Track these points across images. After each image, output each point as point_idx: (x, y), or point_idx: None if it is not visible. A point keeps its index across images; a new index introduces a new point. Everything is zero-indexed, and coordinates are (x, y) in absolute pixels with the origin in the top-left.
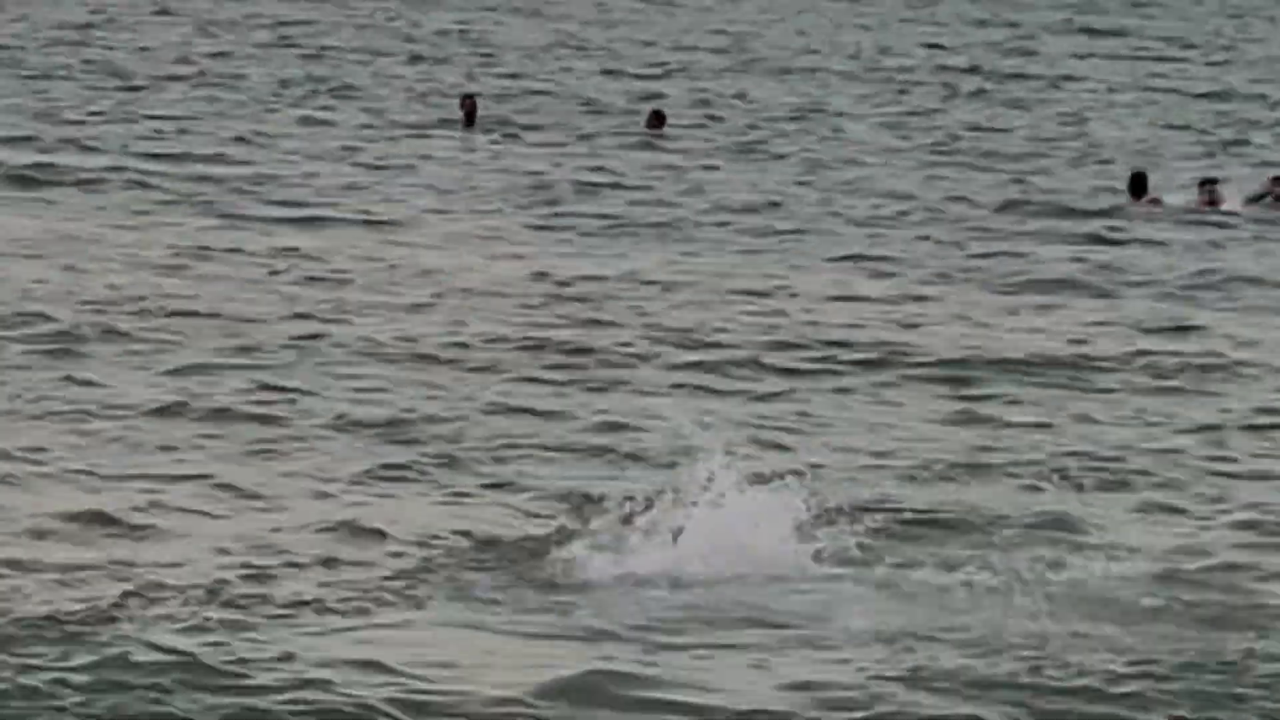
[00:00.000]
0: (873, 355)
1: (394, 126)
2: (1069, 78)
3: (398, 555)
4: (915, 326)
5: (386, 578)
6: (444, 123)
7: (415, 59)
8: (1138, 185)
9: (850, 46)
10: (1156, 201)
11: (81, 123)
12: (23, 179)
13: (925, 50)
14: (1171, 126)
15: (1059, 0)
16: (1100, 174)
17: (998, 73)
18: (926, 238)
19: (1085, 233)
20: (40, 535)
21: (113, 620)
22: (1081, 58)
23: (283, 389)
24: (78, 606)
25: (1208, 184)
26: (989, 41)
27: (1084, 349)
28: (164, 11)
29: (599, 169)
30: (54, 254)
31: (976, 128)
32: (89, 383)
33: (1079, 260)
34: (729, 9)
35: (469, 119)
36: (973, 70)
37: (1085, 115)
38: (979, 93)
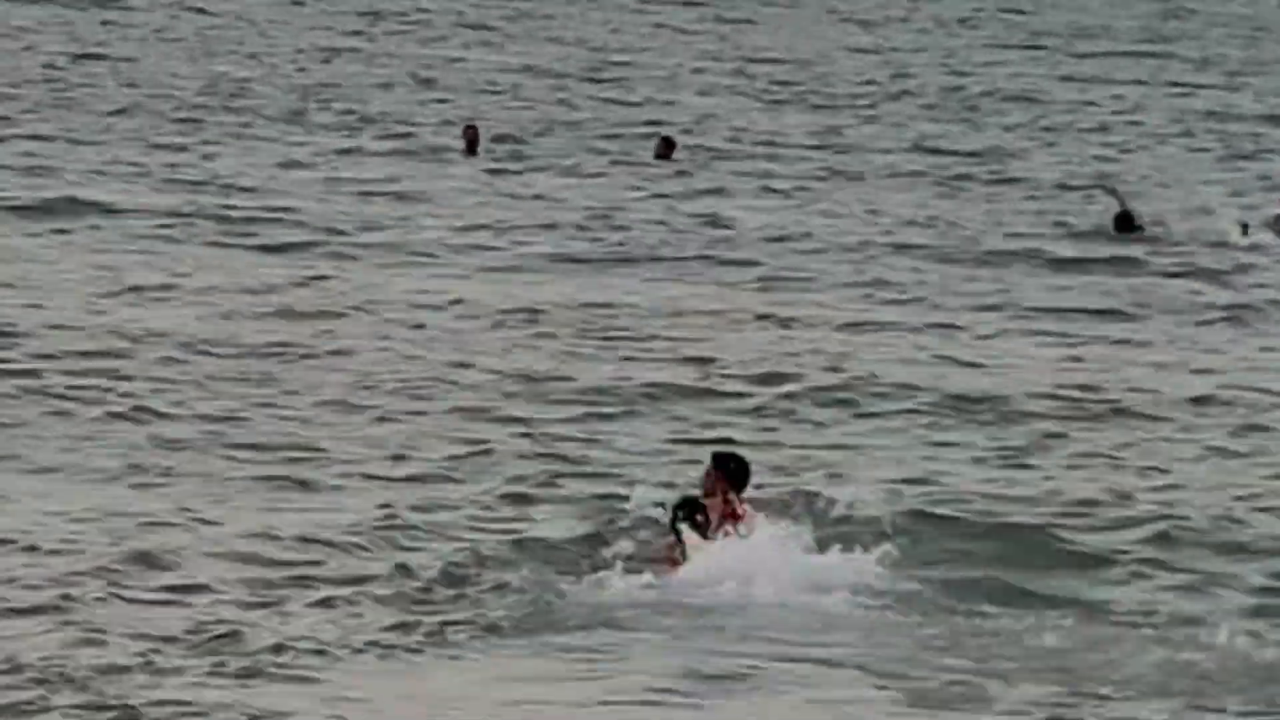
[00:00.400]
0: (894, 385)
1: (411, 155)
2: (1091, 102)
3: (426, 591)
4: (938, 354)
5: (414, 617)
6: (456, 151)
7: (427, 84)
8: (1123, 225)
9: (867, 71)
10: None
11: (103, 153)
12: (46, 209)
13: (943, 74)
14: (1199, 150)
15: (1079, 23)
16: (1124, 197)
17: (1018, 96)
18: (947, 265)
19: (1110, 258)
20: (72, 571)
21: (144, 665)
22: (1105, 81)
23: (308, 419)
24: (106, 646)
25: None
26: (1008, 64)
27: (1113, 377)
28: (183, 39)
29: (609, 196)
30: (79, 284)
31: (997, 152)
32: (117, 417)
33: (1104, 287)
34: (741, 34)
35: (471, 147)
36: (992, 94)
37: (1108, 139)
38: (998, 116)
